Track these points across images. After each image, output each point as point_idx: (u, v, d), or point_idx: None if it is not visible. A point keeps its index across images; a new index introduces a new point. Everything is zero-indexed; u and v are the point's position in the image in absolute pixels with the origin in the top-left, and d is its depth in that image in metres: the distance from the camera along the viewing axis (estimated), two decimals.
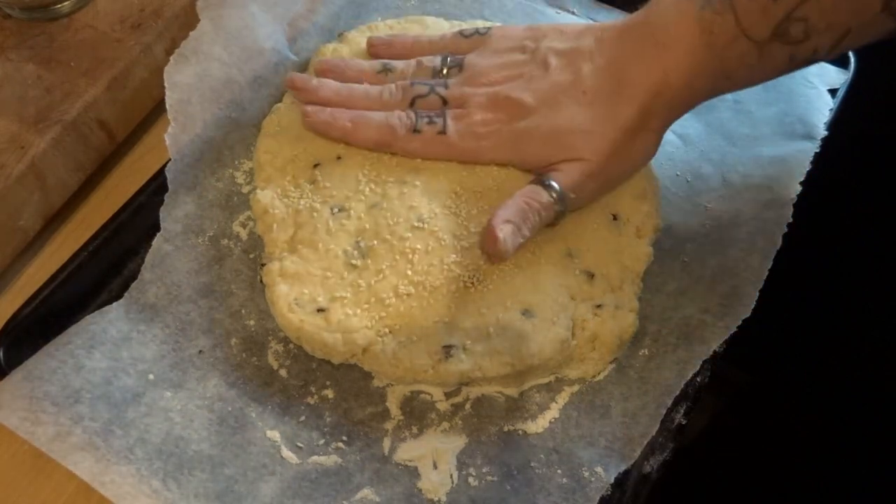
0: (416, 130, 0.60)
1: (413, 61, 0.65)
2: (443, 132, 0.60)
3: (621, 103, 0.57)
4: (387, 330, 0.55)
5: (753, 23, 0.52)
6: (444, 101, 0.62)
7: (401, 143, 0.61)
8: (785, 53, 0.53)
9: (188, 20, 0.66)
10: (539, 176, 0.59)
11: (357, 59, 0.67)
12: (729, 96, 0.68)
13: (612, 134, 0.57)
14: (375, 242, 0.58)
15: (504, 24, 0.66)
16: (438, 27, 0.71)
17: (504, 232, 0.55)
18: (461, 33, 0.65)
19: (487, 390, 0.56)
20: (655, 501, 0.52)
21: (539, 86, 0.59)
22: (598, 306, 0.56)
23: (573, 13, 0.75)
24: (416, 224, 0.59)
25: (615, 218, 0.60)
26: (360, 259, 0.58)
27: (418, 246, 0.58)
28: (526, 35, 0.63)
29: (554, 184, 0.57)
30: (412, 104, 0.62)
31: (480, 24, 0.69)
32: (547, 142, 0.58)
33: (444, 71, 0.63)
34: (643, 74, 0.56)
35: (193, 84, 0.63)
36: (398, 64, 0.65)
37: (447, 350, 0.55)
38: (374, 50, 0.68)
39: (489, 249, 0.56)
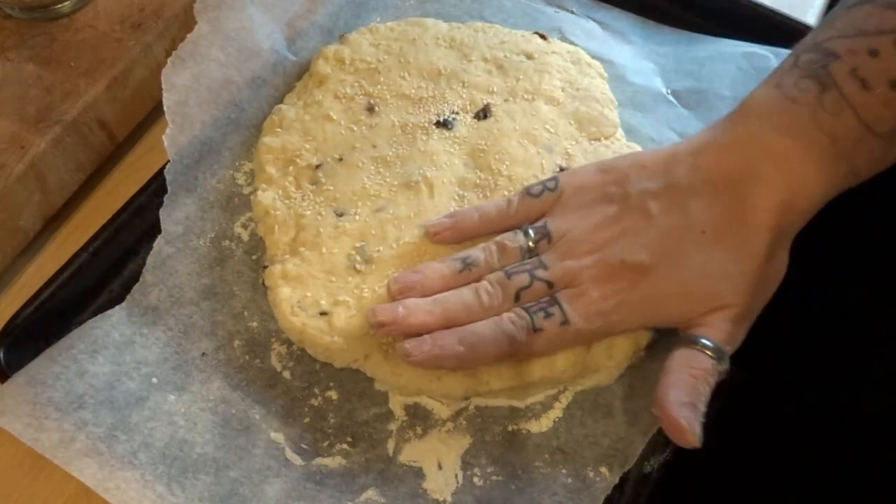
0: (535, 330, 0.52)
1: (493, 246, 0.56)
2: (566, 322, 0.52)
3: (750, 235, 0.50)
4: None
5: (877, 117, 0.49)
6: (550, 285, 0.54)
7: (524, 349, 0.53)
8: None
9: (188, 20, 0.66)
10: (685, 336, 0.52)
11: (430, 263, 0.57)
12: (728, 93, 0.68)
13: (750, 270, 0.50)
14: (381, 248, 0.58)
15: (570, 170, 0.60)
16: (438, 28, 0.71)
17: (688, 419, 0.48)
18: (528, 192, 0.58)
19: (493, 402, 0.55)
20: (655, 501, 0.52)
21: (650, 239, 0.52)
22: None
23: (572, 12, 0.75)
24: (422, 229, 0.59)
25: None
26: (363, 264, 0.58)
27: (426, 252, 0.58)
28: (605, 181, 0.56)
29: (708, 342, 0.50)
30: (517, 299, 0.54)
31: (474, 28, 0.67)
32: (683, 299, 0.52)
33: (531, 246, 0.56)
34: (766, 198, 0.50)
35: (191, 86, 0.63)
36: (478, 255, 0.56)
37: None
38: (440, 237, 0.58)
39: (677, 442, 0.49)
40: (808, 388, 0.58)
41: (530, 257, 0.55)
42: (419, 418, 0.55)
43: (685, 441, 0.48)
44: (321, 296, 0.57)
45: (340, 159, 0.62)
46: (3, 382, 0.55)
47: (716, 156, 0.53)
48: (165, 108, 0.61)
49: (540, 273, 0.54)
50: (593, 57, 0.70)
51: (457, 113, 0.65)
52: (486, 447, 0.54)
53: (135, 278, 0.59)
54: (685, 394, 0.49)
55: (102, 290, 0.60)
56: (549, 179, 0.58)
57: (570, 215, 0.55)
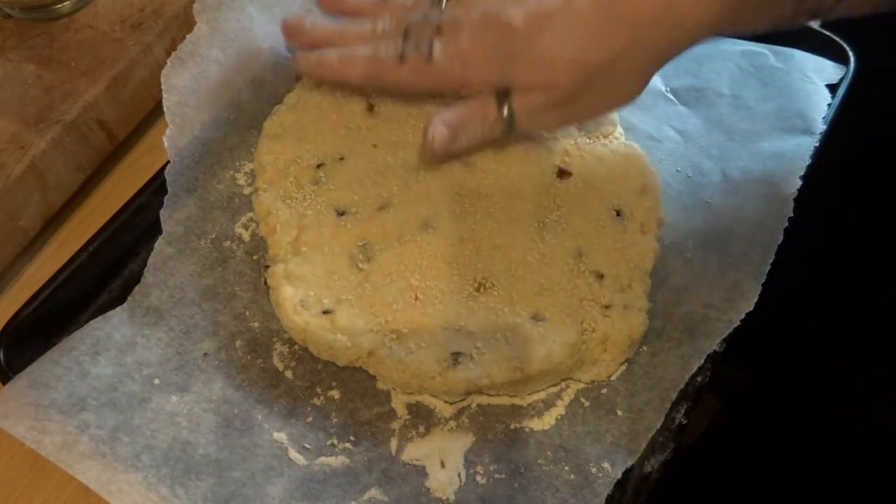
0: (402, 58, 0.58)
1: None
2: (430, 58, 0.58)
3: (610, 29, 0.53)
4: (394, 335, 0.55)
5: None
6: (439, 30, 0.59)
7: (389, 75, 0.60)
8: None
9: (188, 20, 0.66)
10: (499, 91, 0.57)
11: None
12: (727, 91, 0.69)
13: (591, 61, 0.54)
14: (383, 246, 0.58)
15: None
16: None
17: (439, 133, 0.56)
18: None
19: (495, 402, 0.56)
20: (656, 501, 0.52)
21: (530, 8, 0.55)
22: (607, 307, 0.57)
23: None
24: (423, 227, 0.59)
25: (619, 214, 0.60)
26: (366, 263, 0.58)
27: (427, 250, 0.58)
28: None
29: (507, 104, 0.57)
30: (406, 35, 0.59)
31: None
32: (527, 64, 0.56)
33: (444, 2, 0.60)
34: (641, 1, 0.52)
35: (191, 86, 0.63)
36: None
37: (455, 357, 0.55)
38: None
39: (425, 146, 0.57)
40: (805, 389, 0.58)
41: None
42: (422, 417, 0.55)
43: (426, 145, 0.57)
44: (324, 294, 0.57)
45: (341, 159, 0.63)
46: (3, 381, 0.55)
47: None
48: (165, 109, 0.60)
49: (432, 15, 0.59)
50: None
51: None
52: (489, 445, 0.54)
53: (135, 278, 0.59)
54: (454, 118, 0.57)
55: (102, 290, 0.61)
56: None
57: None
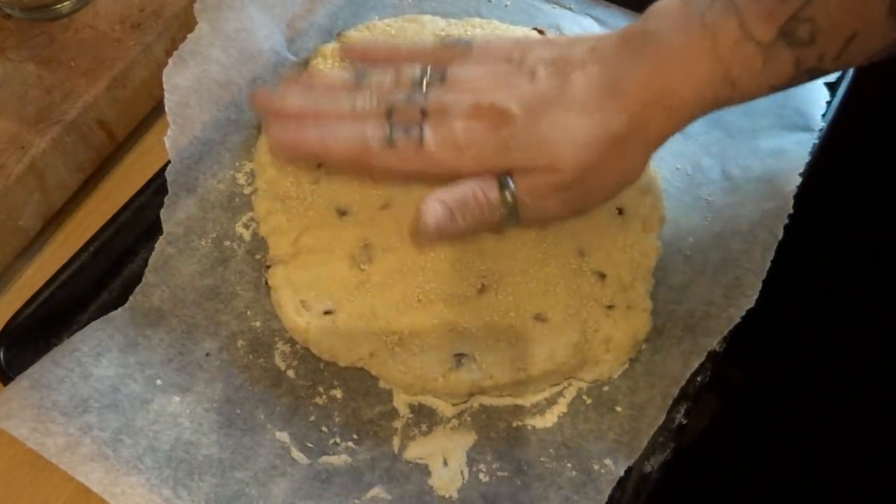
0: (390, 142, 0.54)
1: (391, 72, 0.58)
2: (420, 144, 0.54)
3: (612, 110, 0.52)
4: (396, 337, 0.55)
5: (758, 24, 0.50)
6: (424, 113, 0.55)
7: (375, 159, 0.55)
8: (790, 57, 0.51)
9: (188, 20, 0.66)
10: (500, 174, 0.54)
11: (329, 71, 0.61)
12: None
13: (595, 143, 0.52)
14: (384, 246, 0.58)
15: (491, 37, 0.61)
16: (435, 25, 0.70)
17: (434, 212, 0.52)
18: (443, 41, 0.60)
19: (497, 402, 0.56)
20: (656, 501, 0.52)
21: (524, 93, 0.54)
22: (610, 307, 0.57)
23: (570, 9, 0.75)
24: None
25: (621, 212, 0.60)
26: (367, 263, 0.58)
27: (429, 251, 0.58)
28: (513, 47, 0.58)
29: (511, 185, 0.54)
30: (389, 116, 0.56)
31: (471, 24, 0.68)
32: (527, 151, 0.53)
33: (424, 82, 0.57)
34: (640, 82, 0.52)
35: (192, 86, 0.62)
36: (373, 74, 0.58)
37: (458, 359, 0.55)
38: (349, 56, 0.62)
39: (414, 225, 0.53)
40: (805, 389, 0.58)
41: None
42: (424, 416, 0.55)
43: (415, 226, 0.53)
44: (325, 295, 0.57)
45: None
46: (3, 382, 0.55)
47: (612, 43, 0.55)
48: (167, 110, 0.60)
49: (417, 97, 0.56)
50: None
51: None
52: (492, 443, 0.54)
53: (135, 278, 0.59)
54: (452, 198, 0.53)
55: (102, 290, 0.60)
56: (470, 39, 0.60)
57: (469, 66, 0.57)
